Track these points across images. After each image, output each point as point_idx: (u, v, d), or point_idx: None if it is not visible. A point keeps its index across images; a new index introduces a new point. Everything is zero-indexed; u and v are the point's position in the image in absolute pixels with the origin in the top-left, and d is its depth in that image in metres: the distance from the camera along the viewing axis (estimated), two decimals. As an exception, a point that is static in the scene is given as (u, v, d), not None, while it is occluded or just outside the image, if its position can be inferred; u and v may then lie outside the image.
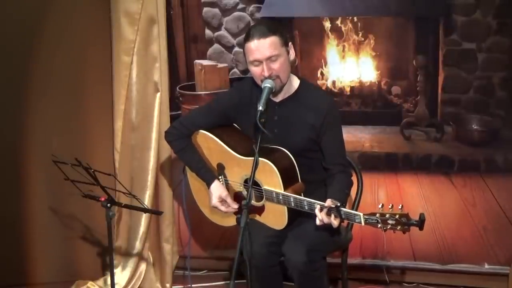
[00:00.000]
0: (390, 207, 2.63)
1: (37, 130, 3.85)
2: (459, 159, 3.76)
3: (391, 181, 3.88)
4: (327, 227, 2.79)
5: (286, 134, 3.02)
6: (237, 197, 3.15)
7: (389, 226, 2.63)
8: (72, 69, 3.83)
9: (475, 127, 3.73)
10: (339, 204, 2.73)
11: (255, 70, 2.92)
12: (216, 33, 3.98)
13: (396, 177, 3.87)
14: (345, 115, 3.66)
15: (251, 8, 3.90)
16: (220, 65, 4.00)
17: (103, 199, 3.22)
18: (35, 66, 3.79)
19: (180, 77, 4.07)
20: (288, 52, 2.95)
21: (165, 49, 3.79)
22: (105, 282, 3.94)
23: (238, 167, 3.08)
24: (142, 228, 3.89)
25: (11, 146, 3.85)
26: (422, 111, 3.78)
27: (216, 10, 3.95)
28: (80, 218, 3.91)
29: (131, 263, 3.92)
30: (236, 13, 3.93)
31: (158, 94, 3.79)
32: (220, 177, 3.15)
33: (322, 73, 3.92)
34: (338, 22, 3.83)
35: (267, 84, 2.86)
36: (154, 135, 3.81)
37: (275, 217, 3.01)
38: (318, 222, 2.78)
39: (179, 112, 4.04)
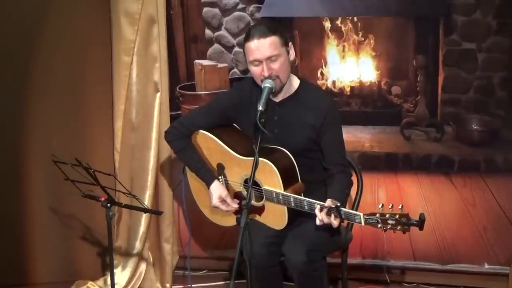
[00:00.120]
0: (390, 207, 2.63)
1: (37, 130, 3.85)
2: (459, 159, 3.76)
3: (391, 181, 3.88)
4: (327, 227, 2.79)
5: (286, 134, 3.02)
6: (237, 197, 3.15)
7: (389, 226, 2.63)
8: (72, 69, 3.83)
9: (475, 127, 3.73)
10: (339, 204, 2.73)
11: (255, 70, 2.92)
12: (216, 33, 3.98)
13: (396, 177, 3.87)
14: (345, 115, 3.66)
15: (251, 8, 3.90)
16: (220, 65, 4.00)
17: (103, 199, 3.22)
18: (35, 66, 3.79)
19: (180, 77, 4.07)
20: (288, 52, 2.95)
21: (165, 49, 3.79)
22: (105, 282, 3.94)
23: (238, 167, 3.08)
24: (142, 228, 3.89)
25: (11, 146, 3.85)
26: (422, 111, 3.78)
27: (216, 10, 3.95)
28: (80, 218, 3.91)
29: (131, 263, 3.92)
30: (236, 13, 3.93)
31: (158, 94, 3.79)
32: (220, 177, 3.15)
33: (322, 73, 3.92)
34: (338, 22, 3.83)
35: (267, 84, 2.87)
36: (154, 135, 3.81)
37: (275, 217, 3.01)
38: (318, 222, 2.78)
39: (179, 112, 4.04)
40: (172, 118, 3.84)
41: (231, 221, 3.19)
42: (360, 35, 3.81)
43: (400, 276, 3.88)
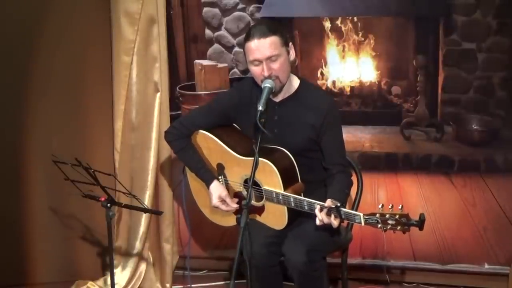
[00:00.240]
0: (390, 207, 2.63)
1: (37, 130, 3.85)
2: (459, 159, 3.76)
3: (391, 181, 3.88)
4: (327, 227, 2.79)
5: (286, 134, 3.02)
6: (237, 197, 3.15)
7: (389, 226, 2.63)
8: (72, 69, 3.83)
9: (475, 127, 3.73)
10: (339, 204, 2.73)
11: (255, 70, 2.92)
12: (216, 33, 3.98)
13: (396, 177, 3.87)
14: (345, 115, 3.66)
15: (251, 8, 3.90)
16: (220, 65, 4.00)
17: (103, 199, 3.22)
18: (35, 66, 3.79)
19: (180, 77, 4.07)
20: (288, 52, 2.95)
21: (165, 49, 3.79)
22: (105, 282, 3.94)
23: (238, 167, 3.08)
24: (142, 228, 3.89)
25: (11, 146, 3.85)
26: (422, 111, 3.78)
27: (216, 10, 3.95)
28: (80, 218, 3.91)
29: (131, 263, 3.92)
30: (236, 13, 3.93)
31: (158, 94, 3.79)
32: (220, 177, 3.15)
33: (322, 73, 3.92)
34: (338, 22, 3.83)
35: (267, 84, 2.86)
36: (154, 135, 3.81)
37: (275, 217, 3.01)
38: (318, 222, 2.78)
39: (179, 112, 4.04)
40: (172, 118, 3.84)
41: (231, 221, 3.19)
42: (360, 35, 3.81)
43: (400, 276, 3.88)
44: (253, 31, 2.90)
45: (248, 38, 2.90)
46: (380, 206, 2.64)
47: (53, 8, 3.76)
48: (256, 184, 2.98)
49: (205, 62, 4.02)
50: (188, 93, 4.05)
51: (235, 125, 3.20)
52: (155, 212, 3.65)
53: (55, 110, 3.84)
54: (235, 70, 3.98)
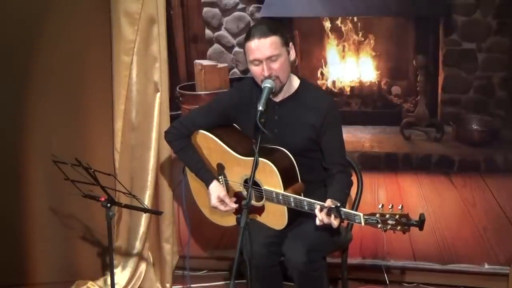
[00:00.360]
0: (390, 207, 2.63)
1: (37, 130, 3.85)
2: (459, 159, 3.76)
3: (391, 181, 3.88)
4: (327, 227, 2.79)
5: (286, 134, 3.02)
6: (237, 197, 3.15)
7: (389, 227, 2.63)
8: (72, 69, 3.83)
9: (475, 127, 3.73)
10: (339, 204, 2.73)
11: (255, 70, 2.92)
12: (216, 33, 3.98)
13: (396, 177, 3.87)
14: (345, 115, 3.66)
15: (251, 8, 3.90)
16: (220, 65, 4.00)
17: (103, 199, 3.22)
18: (35, 66, 3.79)
19: (180, 77, 4.07)
20: (288, 52, 2.95)
21: (165, 49, 3.79)
22: (105, 282, 3.94)
23: (238, 167, 3.08)
24: (142, 228, 3.89)
25: (11, 146, 3.85)
26: (422, 111, 3.78)
27: (216, 10, 3.95)
28: (80, 218, 3.91)
29: (131, 263, 3.92)
30: (236, 13, 3.93)
31: (158, 94, 3.79)
32: (220, 177, 3.15)
33: (322, 73, 3.92)
34: (338, 22, 3.83)
35: (267, 84, 2.86)
36: (154, 135, 3.81)
37: (275, 217, 3.01)
38: (318, 222, 2.78)
39: (179, 112, 4.04)
40: (172, 118, 3.84)
41: (231, 221, 3.19)
42: (360, 35, 3.81)
43: (400, 276, 3.88)
44: (254, 31, 2.90)
45: (248, 38, 2.90)
46: (380, 206, 2.64)
47: (53, 8, 3.76)
48: (256, 184, 2.98)
49: (205, 62, 4.02)
50: (188, 93, 4.05)
51: (235, 125, 3.20)
52: (155, 212, 3.65)
53: (55, 110, 3.84)
54: (235, 70, 3.98)
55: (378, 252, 3.85)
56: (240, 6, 3.91)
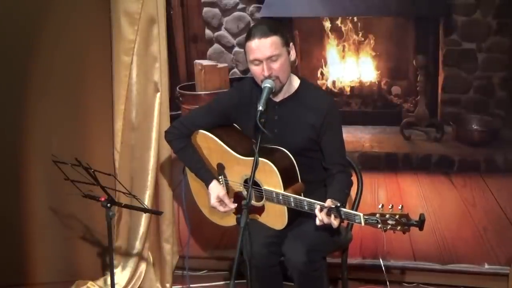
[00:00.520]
0: (390, 207, 2.63)
1: (37, 130, 3.85)
2: (459, 159, 3.76)
3: (391, 181, 3.88)
4: (327, 227, 2.79)
5: (286, 134, 3.02)
6: (237, 197, 3.15)
7: (389, 227, 2.63)
8: (72, 69, 3.83)
9: (475, 127, 3.73)
10: (339, 204, 2.73)
11: (255, 70, 2.92)
12: (216, 33, 3.98)
13: (396, 177, 3.87)
14: (345, 115, 3.66)
15: (251, 8, 3.90)
16: (220, 65, 4.00)
17: (103, 199, 3.22)
18: (35, 66, 3.79)
19: (180, 77, 4.07)
20: (288, 53, 2.95)
21: (165, 49, 3.79)
22: (105, 282, 3.94)
23: (238, 167, 3.08)
24: (142, 228, 3.89)
25: (11, 146, 3.85)
26: (422, 111, 3.78)
27: (216, 10, 3.95)
28: (80, 218, 3.91)
29: (131, 263, 3.92)
30: (236, 13, 3.93)
31: (158, 94, 3.79)
32: (220, 177, 3.15)
33: (322, 73, 3.92)
34: (338, 22, 3.83)
35: (267, 84, 2.86)
36: (154, 135, 3.81)
37: (275, 217, 3.01)
38: (318, 222, 2.78)
39: (179, 112, 4.04)
40: (172, 118, 3.84)
41: (231, 221, 3.19)
42: (360, 35, 3.81)
43: (400, 276, 3.88)
44: (254, 30, 2.90)
45: (249, 37, 2.90)
46: (380, 206, 2.64)
47: (53, 8, 3.76)
48: (256, 184, 2.98)
49: (205, 62, 4.02)
50: (188, 93, 4.05)
51: (235, 125, 3.20)
52: (155, 212, 3.65)
53: (55, 110, 3.84)
54: (235, 70, 3.98)
55: (378, 252, 3.85)
56: (240, 6, 3.91)
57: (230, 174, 3.14)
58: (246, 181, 3.07)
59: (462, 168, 3.75)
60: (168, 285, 3.92)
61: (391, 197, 3.84)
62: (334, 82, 3.92)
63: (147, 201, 3.81)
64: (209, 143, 3.16)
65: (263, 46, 2.87)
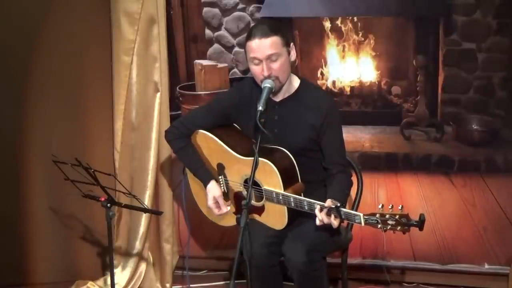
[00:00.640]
0: (390, 207, 2.63)
1: (37, 130, 3.85)
2: (459, 159, 3.76)
3: (391, 181, 3.88)
4: (327, 227, 2.79)
5: (286, 133, 3.02)
6: (237, 197, 3.15)
7: (389, 227, 2.63)
8: (72, 69, 3.83)
9: (475, 127, 3.73)
10: (339, 204, 2.73)
11: (255, 69, 2.92)
12: (216, 33, 3.98)
13: (396, 177, 3.87)
14: (345, 115, 3.65)
15: (251, 8, 3.90)
16: (220, 65, 4.00)
17: (103, 199, 3.22)
18: (35, 66, 3.79)
19: (180, 77, 4.07)
20: (289, 53, 2.95)
21: (165, 49, 3.79)
22: (105, 282, 3.94)
23: (238, 167, 3.08)
24: (142, 228, 3.89)
25: (11, 146, 3.85)
26: (422, 111, 3.78)
27: (216, 10, 3.95)
28: (80, 218, 3.91)
29: (131, 263, 3.92)
30: (236, 13, 3.93)
31: (158, 94, 3.79)
32: (220, 177, 3.15)
33: (322, 73, 3.92)
34: (338, 22, 3.83)
35: (267, 84, 2.86)
36: (154, 135, 3.81)
37: (275, 217, 3.01)
38: (318, 222, 2.78)
39: (179, 112, 4.04)
40: (172, 118, 3.84)
41: (231, 221, 3.19)
42: (360, 35, 3.81)
43: (400, 276, 3.88)
44: (255, 30, 2.90)
45: (249, 37, 2.90)
46: (380, 206, 2.64)
47: (53, 8, 3.76)
48: (256, 184, 2.98)
49: (205, 62, 4.02)
50: (188, 93, 4.05)
51: (235, 125, 3.20)
52: (155, 212, 3.65)
53: (54, 110, 3.84)
54: (235, 70, 3.98)
55: (378, 252, 3.85)
56: (240, 6, 3.91)
57: (230, 174, 3.14)
58: (246, 181, 3.07)
59: (462, 168, 3.75)
60: (168, 285, 3.92)
61: (391, 197, 3.84)
62: (334, 82, 3.92)
63: (147, 201, 3.81)
64: (209, 143, 3.16)
65: (263, 46, 2.87)
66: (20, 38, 3.76)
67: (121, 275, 3.91)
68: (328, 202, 2.75)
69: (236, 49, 3.96)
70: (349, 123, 3.81)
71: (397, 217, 2.60)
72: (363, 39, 3.81)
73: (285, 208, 2.94)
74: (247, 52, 2.93)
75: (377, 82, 3.86)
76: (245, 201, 2.68)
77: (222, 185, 3.15)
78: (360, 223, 2.69)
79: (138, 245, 3.90)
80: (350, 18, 3.80)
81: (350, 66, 3.88)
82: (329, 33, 3.86)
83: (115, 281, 3.48)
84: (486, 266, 3.76)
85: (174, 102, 3.98)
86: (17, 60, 3.78)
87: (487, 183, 3.73)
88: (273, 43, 2.88)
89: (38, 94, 3.82)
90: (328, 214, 2.74)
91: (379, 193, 3.86)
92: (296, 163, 2.98)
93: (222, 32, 3.97)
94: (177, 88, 4.05)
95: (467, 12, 3.62)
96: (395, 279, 3.86)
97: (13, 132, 3.84)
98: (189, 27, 4.03)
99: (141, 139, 3.84)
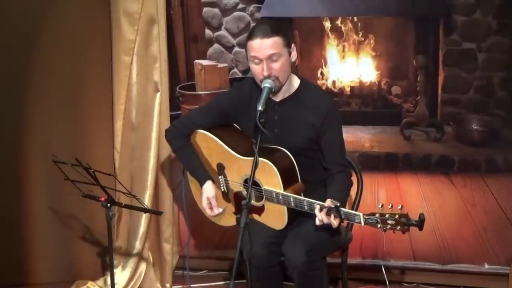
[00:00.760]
0: (389, 207, 2.63)
1: (37, 130, 3.85)
2: (459, 159, 3.76)
3: (391, 181, 3.88)
4: (327, 227, 2.79)
5: (286, 133, 3.02)
6: (237, 197, 3.15)
7: (388, 226, 2.63)
8: (72, 69, 3.83)
9: (475, 127, 3.73)
10: (338, 204, 2.73)
11: (255, 68, 2.92)
12: (216, 33, 3.98)
13: (396, 177, 3.87)
14: (345, 115, 3.66)
15: (251, 8, 3.90)
16: (220, 65, 4.00)
17: (103, 199, 3.22)
18: (35, 66, 3.79)
19: (180, 77, 4.07)
20: (289, 54, 2.94)
21: (165, 49, 3.79)
22: (105, 282, 3.94)
23: (238, 167, 3.08)
24: (142, 228, 3.89)
25: (11, 146, 3.85)
26: (422, 111, 3.78)
27: (216, 10, 3.95)
28: (80, 218, 3.91)
29: (131, 263, 3.92)
30: (236, 13, 3.93)
31: (158, 94, 3.79)
32: (220, 177, 3.15)
33: (322, 73, 3.92)
34: (338, 22, 3.83)
35: (267, 84, 2.86)
36: (154, 135, 3.81)
37: (275, 217, 3.01)
38: (318, 222, 2.78)
39: (179, 112, 4.04)
40: (172, 118, 3.84)
41: (231, 221, 3.19)
42: (360, 35, 3.81)
43: (400, 276, 3.88)
44: (257, 30, 2.89)
45: (251, 36, 2.89)
46: (379, 206, 2.64)
47: (53, 8, 3.76)
48: (256, 184, 2.98)
49: (205, 62, 4.02)
50: (188, 93, 4.05)
51: (235, 125, 3.20)
52: (155, 212, 3.65)
53: (54, 110, 3.84)
54: (235, 70, 3.98)
55: (378, 252, 3.85)
56: (240, 6, 3.91)
57: (230, 174, 3.14)
58: (246, 181, 3.07)
59: (462, 168, 3.75)
60: (168, 285, 3.92)
61: (391, 197, 3.84)
62: (334, 82, 3.92)
63: (147, 201, 3.81)
64: (209, 143, 3.16)
65: (264, 46, 2.86)
66: (20, 38, 3.76)
67: (121, 275, 3.91)
68: (328, 202, 2.75)
69: (236, 49, 3.96)
70: (349, 123, 3.81)
71: (396, 216, 2.60)
72: (363, 39, 3.81)
73: (285, 208, 2.94)
74: (248, 51, 2.93)
75: (377, 82, 3.86)
76: (245, 201, 2.68)
77: (222, 185, 3.15)
78: (359, 223, 2.69)
79: (138, 245, 3.90)
80: (350, 18, 3.80)
81: (350, 66, 3.88)
82: (329, 33, 3.86)
83: (115, 281, 3.48)
84: (486, 266, 3.76)
85: (174, 102, 3.98)
86: (17, 60, 3.78)
87: (487, 183, 3.73)
88: (274, 43, 2.88)
89: (38, 94, 3.82)
90: (328, 214, 2.74)
91: (379, 193, 3.86)
92: (296, 163, 2.98)
93: (222, 32, 3.97)
94: (177, 88, 4.05)
95: (467, 12, 3.62)
96: (395, 279, 3.85)
97: (13, 132, 3.84)
98: (189, 27, 4.03)
99: (141, 139, 3.84)
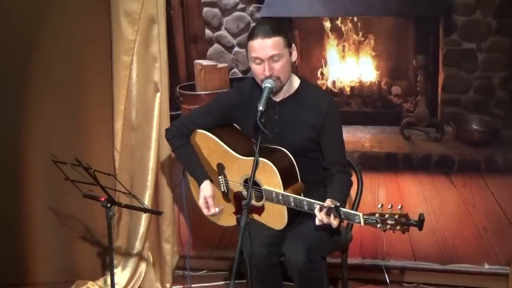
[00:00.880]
0: (389, 207, 2.63)
1: (37, 130, 3.85)
2: (459, 159, 3.76)
3: (391, 181, 3.88)
4: (327, 227, 2.79)
5: (286, 133, 3.02)
6: (237, 197, 3.15)
7: (388, 226, 2.63)
8: (72, 69, 3.83)
9: (475, 127, 3.73)
10: (338, 204, 2.73)
11: (256, 68, 2.92)
12: (216, 33, 3.98)
13: (396, 177, 3.87)
14: (345, 115, 3.66)
15: (251, 8, 3.90)
16: (220, 65, 4.00)
17: (103, 199, 3.22)
18: (35, 66, 3.79)
19: (180, 77, 4.07)
20: (290, 54, 2.94)
21: (165, 49, 3.79)
22: (105, 282, 3.94)
23: (238, 167, 3.08)
24: (142, 228, 3.89)
25: (11, 146, 3.85)
26: (422, 111, 3.78)
27: (216, 10, 3.95)
28: (80, 218, 3.92)
29: (131, 263, 3.92)
30: (236, 13, 3.93)
31: (158, 94, 3.79)
32: (220, 177, 3.15)
33: (322, 73, 3.92)
34: (338, 22, 3.83)
35: (268, 84, 2.86)
36: (154, 135, 3.81)
37: (275, 217, 3.01)
38: (317, 222, 2.78)
39: (179, 112, 4.04)
40: (172, 118, 3.84)
41: (231, 221, 3.19)
42: (360, 35, 3.81)
43: (400, 276, 3.88)
44: (257, 30, 2.89)
45: (251, 36, 2.89)
46: (379, 206, 2.64)
47: (53, 8, 3.76)
48: (256, 184, 2.98)
49: (205, 62, 4.02)
50: (188, 93, 4.05)
51: (235, 125, 3.20)
52: (155, 212, 3.65)
53: (54, 110, 3.84)
54: (235, 70, 3.98)
55: (378, 252, 3.85)
56: (240, 6, 3.91)
57: (230, 174, 3.14)
58: (246, 181, 3.07)
59: (462, 168, 3.75)
60: (168, 285, 3.92)
61: (391, 197, 3.84)
62: (334, 82, 3.92)
63: (147, 201, 3.81)
64: (209, 143, 3.16)
65: (265, 46, 2.86)
66: (20, 38, 3.76)
67: (121, 275, 3.91)
68: (328, 202, 2.75)
69: (236, 49, 3.96)
70: (349, 123, 3.81)
71: (396, 216, 2.60)
72: (363, 39, 3.81)
73: (285, 208, 2.94)
74: (249, 51, 2.93)
75: (377, 82, 3.86)
76: (245, 201, 2.68)
77: (222, 185, 3.15)
78: (359, 222, 2.69)
79: (138, 245, 3.90)
80: (350, 18, 3.80)
81: (350, 66, 3.88)
82: (329, 33, 3.86)
83: (115, 281, 3.48)
84: (486, 266, 3.76)
85: (174, 102, 3.98)
86: (17, 60, 3.78)
87: (487, 183, 3.73)
88: (276, 44, 2.87)
89: (38, 94, 3.82)
90: (328, 214, 2.74)
91: (379, 193, 3.86)
92: (296, 163, 2.98)
93: (222, 32, 3.97)
94: (177, 88, 4.05)
95: (467, 12, 3.62)
96: (395, 279, 3.85)
97: (13, 132, 3.84)
98: (189, 27, 4.03)
99: (141, 139, 3.84)
